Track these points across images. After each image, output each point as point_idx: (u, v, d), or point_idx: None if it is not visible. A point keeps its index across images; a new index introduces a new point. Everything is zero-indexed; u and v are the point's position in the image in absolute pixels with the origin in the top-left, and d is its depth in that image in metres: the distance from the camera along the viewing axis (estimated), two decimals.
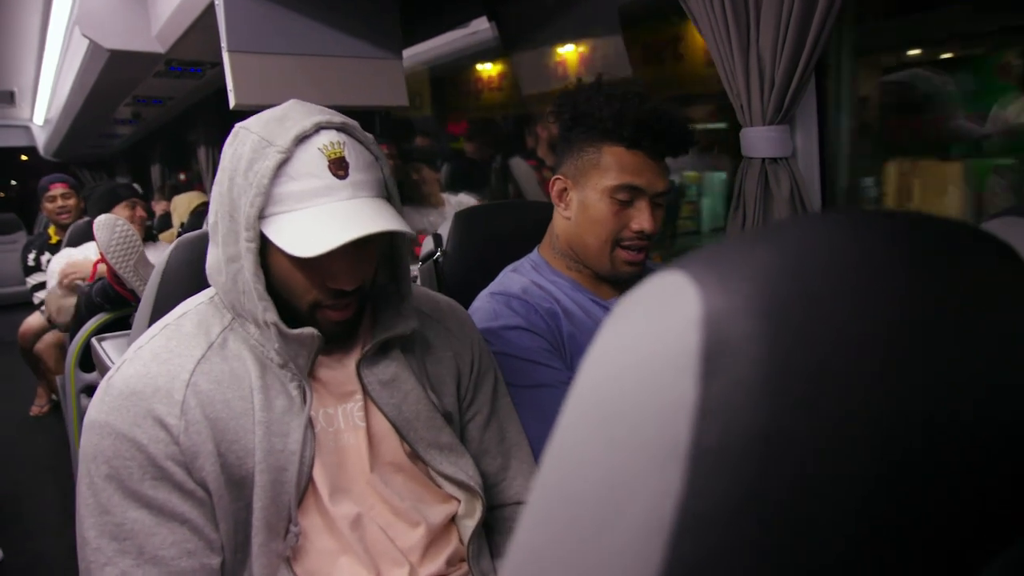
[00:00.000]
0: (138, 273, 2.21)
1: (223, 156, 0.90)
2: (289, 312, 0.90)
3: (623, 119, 1.14)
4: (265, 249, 0.87)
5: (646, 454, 0.26)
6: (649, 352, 0.27)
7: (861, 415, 0.28)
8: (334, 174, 0.85)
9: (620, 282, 1.26)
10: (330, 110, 0.90)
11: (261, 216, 0.84)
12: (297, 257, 0.83)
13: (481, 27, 2.70)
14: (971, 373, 0.33)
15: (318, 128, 0.85)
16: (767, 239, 0.31)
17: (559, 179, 1.24)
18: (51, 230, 3.94)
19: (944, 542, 0.33)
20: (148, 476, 0.82)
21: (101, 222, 2.19)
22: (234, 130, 0.90)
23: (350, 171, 0.86)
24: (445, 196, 3.34)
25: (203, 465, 0.84)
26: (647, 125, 1.14)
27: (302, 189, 0.84)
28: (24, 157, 8.73)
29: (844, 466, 0.28)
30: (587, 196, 1.20)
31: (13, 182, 9.10)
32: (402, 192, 3.22)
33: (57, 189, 3.80)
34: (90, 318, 2.33)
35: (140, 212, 2.94)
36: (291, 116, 0.87)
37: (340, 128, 0.88)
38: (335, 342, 0.95)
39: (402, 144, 4.24)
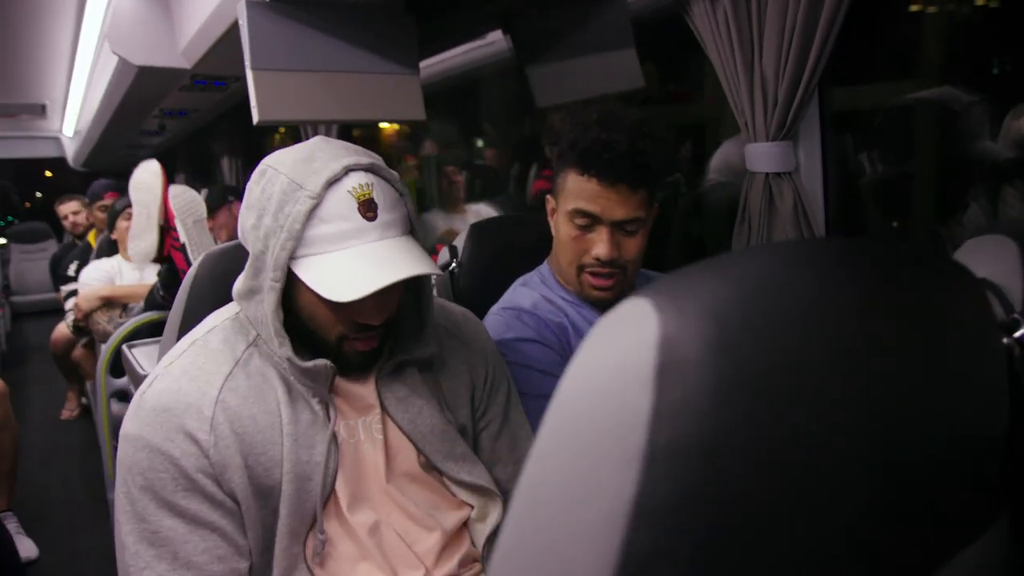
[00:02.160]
0: (195, 231, 2.40)
1: (249, 192, 0.93)
2: (313, 340, 0.95)
3: (575, 145, 1.17)
4: (291, 284, 0.90)
5: (607, 455, 0.31)
6: (613, 370, 0.32)
7: (801, 427, 0.33)
8: (363, 216, 0.88)
9: (602, 303, 1.27)
10: (356, 148, 0.93)
11: (291, 257, 0.88)
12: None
13: (497, 38, 2.75)
14: (908, 389, 0.37)
15: (347, 171, 0.88)
16: (722, 270, 0.36)
17: (549, 198, 1.28)
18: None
19: (890, 548, 0.37)
20: (181, 488, 0.87)
21: (174, 188, 2.46)
22: (261, 168, 0.93)
23: (379, 212, 0.89)
24: (466, 205, 3.42)
25: (232, 477, 0.89)
26: (595, 153, 1.14)
27: (333, 232, 0.87)
28: (49, 173, 8.95)
29: (785, 472, 0.32)
30: (558, 218, 1.24)
31: (38, 194, 9.32)
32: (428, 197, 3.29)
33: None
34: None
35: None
36: (318, 157, 0.89)
37: (368, 169, 0.90)
38: (357, 368, 0.98)
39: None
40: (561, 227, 1.24)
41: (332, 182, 0.87)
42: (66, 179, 8.38)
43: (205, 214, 2.47)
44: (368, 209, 0.88)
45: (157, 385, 0.92)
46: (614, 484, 0.30)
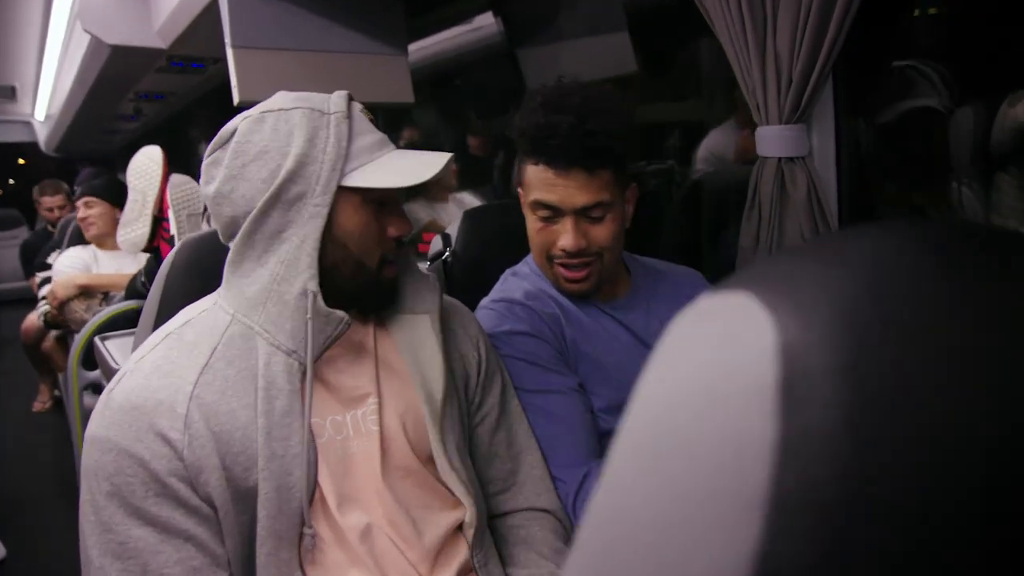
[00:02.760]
0: (188, 225, 2.35)
1: (249, 143, 0.88)
2: (351, 274, 0.93)
3: (524, 133, 1.10)
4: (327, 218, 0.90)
5: (716, 497, 0.24)
6: (718, 383, 0.25)
7: (954, 443, 0.26)
8: (379, 129, 0.96)
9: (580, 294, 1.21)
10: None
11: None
12: (373, 205, 0.91)
13: (486, 22, 2.68)
14: None
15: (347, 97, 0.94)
16: (837, 255, 0.29)
17: (520, 191, 1.20)
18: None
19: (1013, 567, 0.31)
20: (151, 493, 0.80)
21: (176, 178, 2.41)
22: (255, 117, 0.89)
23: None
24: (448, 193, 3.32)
25: (208, 480, 0.82)
26: (541, 139, 1.08)
27: (370, 142, 0.92)
28: (22, 160, 8.72)
29: (940, 501, 0.26)
30: (526, 211, 1.18)
31: (11, 181, 9.06)
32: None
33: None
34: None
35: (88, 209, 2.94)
36: (311, 93, 0.93)
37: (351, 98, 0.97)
38: (387, 301, 0.99)
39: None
40: (528, 220, 1.18)
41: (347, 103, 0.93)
42: (41, 165, 8.15)
43: (201, 208, 2.38)
44: (376, 125, 0.96)
45: (126, 383, 0.85)
46: (726, 540, 0.23)
